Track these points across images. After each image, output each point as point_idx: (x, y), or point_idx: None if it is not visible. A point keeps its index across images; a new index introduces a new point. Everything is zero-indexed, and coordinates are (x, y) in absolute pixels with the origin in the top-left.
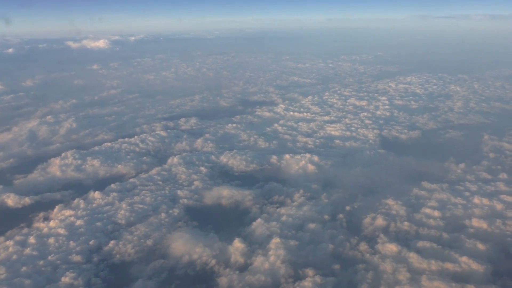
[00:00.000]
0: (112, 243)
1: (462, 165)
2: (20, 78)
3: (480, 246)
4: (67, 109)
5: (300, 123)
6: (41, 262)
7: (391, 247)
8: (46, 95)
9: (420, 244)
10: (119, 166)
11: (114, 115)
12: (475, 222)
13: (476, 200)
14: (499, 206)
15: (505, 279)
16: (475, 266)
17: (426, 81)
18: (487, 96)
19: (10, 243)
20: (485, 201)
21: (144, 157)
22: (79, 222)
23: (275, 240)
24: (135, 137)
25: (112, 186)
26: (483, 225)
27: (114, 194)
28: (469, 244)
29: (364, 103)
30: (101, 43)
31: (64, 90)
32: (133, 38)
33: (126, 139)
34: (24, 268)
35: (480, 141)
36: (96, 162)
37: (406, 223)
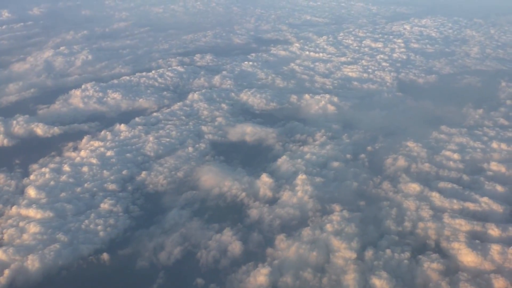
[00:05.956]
0: (144, 173)
1: (480, 111)
2: (26, 6)
3: (499, 188)
4: (79, 41)
5: (316, 63)
6: (79, 189)
7: (414, 186)
8: (55, 25)
9: (441, 184)
10: (140, 100)
11: (128, 48)
12: (494, 166)
13: (494, 145)
14: None
15: None
16: (495, 206)
17: (441, 25)
18: (503, 42)
19: (46, 170)
20: (503, 146)
21: (164, 92)
22: (109, 153)
23: (301, 177)
24: (153, 71)
25: (137, 119)
26: (502, 169)
27: (140, 127)
28: (488, 186)
29: (379, 45)
30: None
31: (72, 20)
32: None
33: (144, 73)
34: (63, 194)
35: (497, 87)
36: (117, 95)
37: (426, 164)
